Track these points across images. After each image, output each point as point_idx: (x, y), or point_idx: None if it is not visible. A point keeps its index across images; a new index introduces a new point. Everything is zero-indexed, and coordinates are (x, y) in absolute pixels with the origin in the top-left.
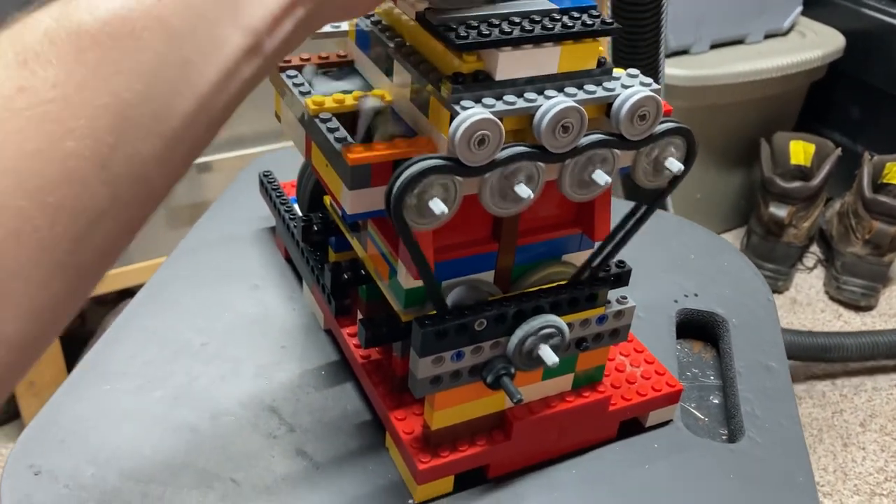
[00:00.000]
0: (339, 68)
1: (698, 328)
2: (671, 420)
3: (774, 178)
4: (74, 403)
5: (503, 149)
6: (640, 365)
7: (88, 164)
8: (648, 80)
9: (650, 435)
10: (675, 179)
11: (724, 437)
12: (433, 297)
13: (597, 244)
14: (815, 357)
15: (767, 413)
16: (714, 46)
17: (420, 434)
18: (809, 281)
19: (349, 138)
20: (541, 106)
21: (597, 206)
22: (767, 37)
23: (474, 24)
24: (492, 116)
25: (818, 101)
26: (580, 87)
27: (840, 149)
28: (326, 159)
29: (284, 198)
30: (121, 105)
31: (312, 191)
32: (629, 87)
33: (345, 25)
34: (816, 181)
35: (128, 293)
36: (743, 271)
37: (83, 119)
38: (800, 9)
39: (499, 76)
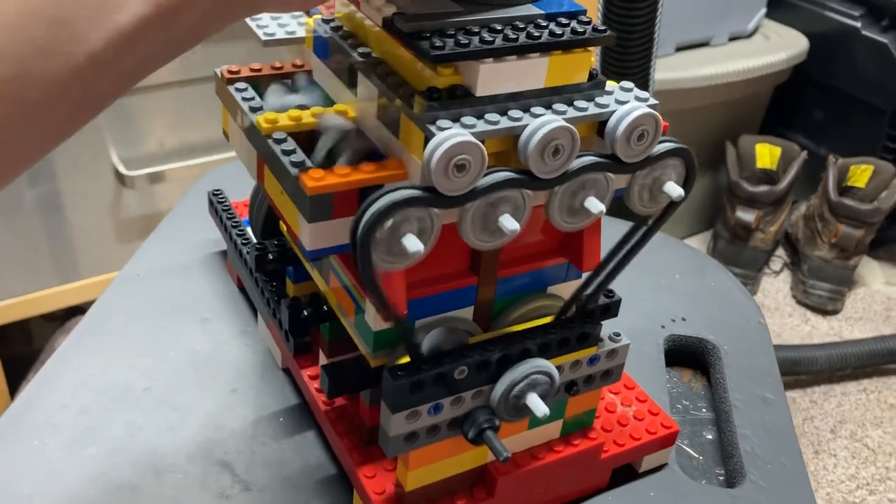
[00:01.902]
0: (295, 80)
1: (687, 356)
2: (666, 464)
3: (741, 182)
4: None
5: (485, 175)
6: (631, 404)
7: None
8: (644, 94)
9: (645, 481)
10: (672, 205)
11: (720, 478)
12: (406, 343)
13: (585, 274)
14: (786, 371)
15: (768, 452)
16: (679, 49)
17: (392, 494)
18: (776, 285)
19: (307, 162)
20: (527, 125)
21: (585, 234)
22: (732, 39)
23: (450, 32)
24: (472, 138)
25: (782, 103)
26: (570, 104)
27: (805, 152)
28: (281, 186)
29: (236, 220)
30: None
31: (267, 215)
32: (624, 103)
33: (301, 31)
34: (783, 185)
35: (77, 311)
36: (731, 292)
37: None
38: (764, 10)
39: (479, 91)
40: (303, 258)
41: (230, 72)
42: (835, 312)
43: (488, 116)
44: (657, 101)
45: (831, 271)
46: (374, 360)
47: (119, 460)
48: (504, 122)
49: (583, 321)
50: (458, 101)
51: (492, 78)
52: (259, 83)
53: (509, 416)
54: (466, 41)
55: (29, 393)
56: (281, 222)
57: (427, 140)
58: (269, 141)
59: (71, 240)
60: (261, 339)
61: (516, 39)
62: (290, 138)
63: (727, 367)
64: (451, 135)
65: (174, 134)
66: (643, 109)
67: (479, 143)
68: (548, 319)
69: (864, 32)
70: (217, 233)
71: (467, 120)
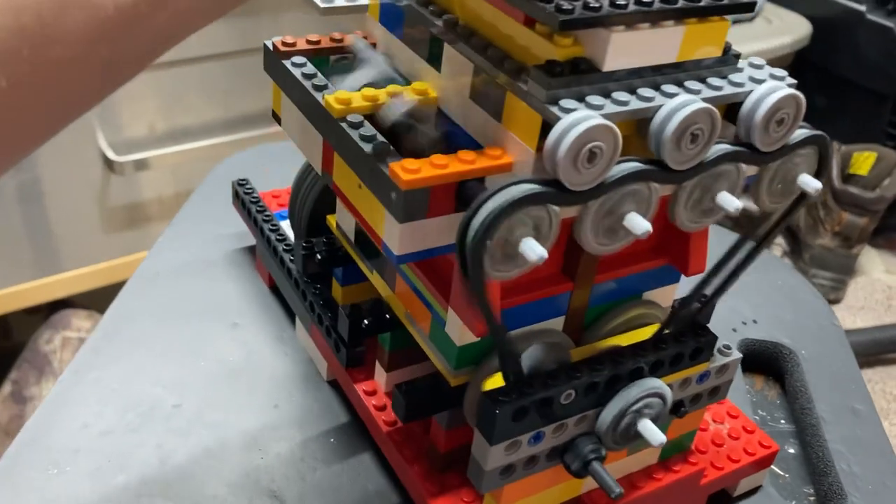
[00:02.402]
0: (358, 54)
1: (760, 361)
2: (761, 486)
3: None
4: (9, 497)
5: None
6: (724, 421)
7: None
8: (781, 71)
9: None
10: (800, 199)
11: (811, 499)
12: (507, 362)
13: (687, 279)
14: None
15: (867, 471)
16: None
17: None
18: None
19: (392, 150)
20: (661, 106)
21: (692, 233)
22: (734, 22)
23: None
24: (607, 122)
25: None
26: (702, 81)
27: None
28: (360, 178)
29: (268, 213)
30: None
31: (313, 210)
32: (761, 82)
33: None
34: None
35: (61, 304)
36: (800, 291)
37: None
38: None
39: (607, 66)
40: (358, 259)
41: (285, 44)
42: (836, 301)
43: (616, 95)
44: (795, 80)
45: (834, 260)
46: (455, 379)
47: (152, 491)
48: (635, 103)
49: (696, 334)
50: (582, 76)
51: (622, 49)
52: (317, 57)
53: (617, 445)
54: (597, 4)
55: (42, 413)
56: (330, 217)
57: (546, 124)
58: (344, 125)
59: (53, 230)
60: (299, 346)
61: (651, 3)
62: (366, 122)
63: (808, 373)
64: (581, 117)
65: (167, 117)
66: (785, 90)
67: (615, 128)
68: (648, 330)
69: (869, 17)
70: (241, 226)
71: (593, 99)
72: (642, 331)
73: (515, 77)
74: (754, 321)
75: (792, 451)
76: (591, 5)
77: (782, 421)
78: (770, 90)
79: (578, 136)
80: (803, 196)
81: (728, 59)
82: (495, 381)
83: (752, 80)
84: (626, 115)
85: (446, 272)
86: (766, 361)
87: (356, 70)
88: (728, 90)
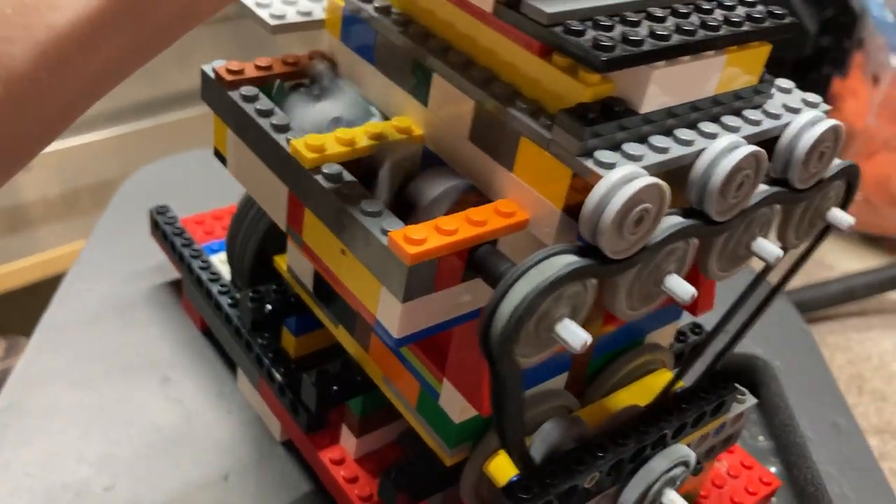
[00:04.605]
0: (318, 80)
1: (733, 374)
2: None
3: None
4: None
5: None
6: (721, 457)
7: None
8: (815, 97)
9: None
10: (824, 233)
11: None
12: (522, 459)
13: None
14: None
15: (859, 493)
16: None
17: None
18: None
19: (387, 213)
20: (702, 151)
21: None
22: None
23: (602, 20)
24: (656, 180)
25: None
26: (738, 115)
27: None
28: (344, 244)
29: (195, 248)
30: None
31: (257, 252)
32: (796, 111)
33: (319, 11)
34: None
35: None
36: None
37: None
38: None
39: (646, 107)
40: (317, 308)
41: (231, 72)
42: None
43: (653, 140)
44: (829, 107)
45: None
46: (451, 459)
47: None
48: (676, 149)
49: (716, 386)
50: (616, 121)
51: (662, 87)
52: (268, 85)
53: None
54: (637, 37)
55: None
56: (277, 258)
57: (576, 179)
58: (319, 178)
59: None
60: (243, 401)
61: (694, 32)
62: (346, 172)
63: (786, 387)
64: (629, 175)
65: None
66: (825, 122)
67: (664, 186)
68: (655, 378)
69: None
70: (160, 255)
71: (631, 148)
72: (649, 379)
73: (533, 119)
74: (725, 331)
75: (774, 469)
76: (632, 38)
77: (760, 438)
78: (810, 122)
79: (627, 200)
80: (828, 229)
81: (761, 87)
82: (502, 464)
83: (787, 108)
84: (669, 164)
85: (440, 337)
86: (739, 375)
87: (318, 100)
88: (767, 124)
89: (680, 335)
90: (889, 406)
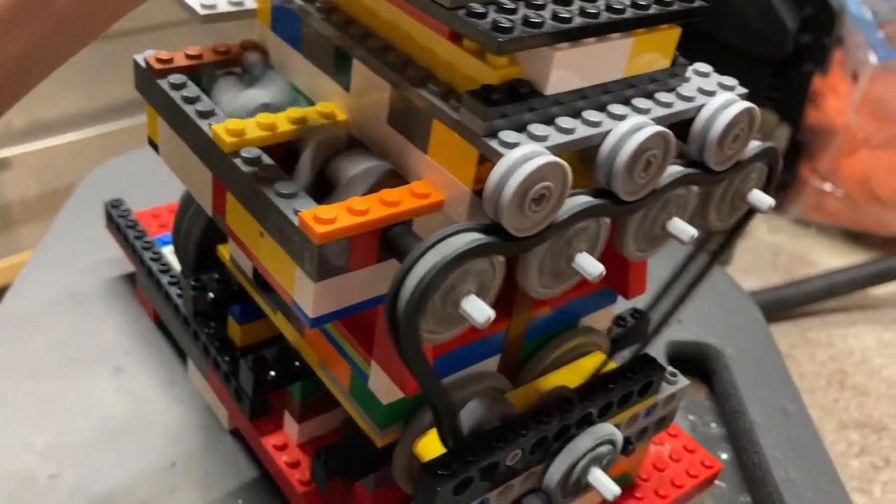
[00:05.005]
0: (248, 67)
1: (686, 362)
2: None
3: None
4: None
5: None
6: (664, 441)
7: None
8: (731, 80)
9: None
10: (749, 215)
11: None
12: (447, 429)
13: (625, 302)
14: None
15: (804, 475)
16: None
17: None
18: None
19: (301, 194)
20: (609, 132)
21: None
22: None
23: (506, 3)
24: (556, 158)
25: None
26: (650, 98)
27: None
28: (262, 226)
29: (147, 240)
30: None
31: (200, 241)
32: (711, 94)
33: (250, 1)
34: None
35: None
36: (722, 284)
37: None
38: None
39: (551, 88)
40: (258, 296)
41: (160, 60)
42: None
43: (560, 122)
44: (744, 90)
45: None
46: (382, 440)
47: None
48: (581, 129)
49: (644, 367)
50: (521, 102)
51: (566, 69)
52: (199, 74)
53: (566, 499)
54: (538, 18)
55: None
56: (220, 247)
57: (482, 159)
58: (238, 162)
59: None
60: (194, 391)
61: (597, 15)
62: (265, 156)
63: (736, 374)
64: (527, 154)
65: (24, 110)
66: (739, 104)
67: (565, 165)
68: (588, 360)
69: None
70: (114, 250)
71: (536, 129)
72: (582, 362)
73: (444, 102)
74: (679, 321)
75: (725, 456)
76: (532, 20)
77: (713, 424)
78: (724, 104)
79: (525, 178)
80: (752, 211)
81: (676, 70)
82: (430, 443)
83: (702, 91)
84: (574, 145)
85: (367, 320)
86: (692, 362)
87: (247, 88)
88: (679, 106)
89: (620, 320)
90: (870, 401)
